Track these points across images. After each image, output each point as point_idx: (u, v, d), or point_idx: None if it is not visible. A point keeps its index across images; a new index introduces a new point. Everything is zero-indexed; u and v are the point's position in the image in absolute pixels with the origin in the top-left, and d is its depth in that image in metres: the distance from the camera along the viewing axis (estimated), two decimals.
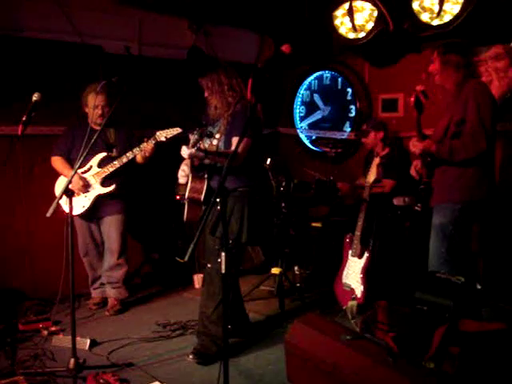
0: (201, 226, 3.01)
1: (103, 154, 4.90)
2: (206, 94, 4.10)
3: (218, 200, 2.90)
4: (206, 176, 4.05)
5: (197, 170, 4.06)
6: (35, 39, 5.20)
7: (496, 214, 4.46)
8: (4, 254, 5.08)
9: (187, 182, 4.04)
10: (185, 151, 3.83)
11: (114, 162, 4.84)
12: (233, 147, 3.91)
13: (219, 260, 3.93)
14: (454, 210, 3.79)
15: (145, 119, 5.64)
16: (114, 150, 4.95)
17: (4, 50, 5.00)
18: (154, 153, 4.83)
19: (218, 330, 4.02)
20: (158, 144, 4.76)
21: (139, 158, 4.90)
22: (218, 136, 4.05)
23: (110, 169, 4.85)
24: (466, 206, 3.80)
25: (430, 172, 3.93)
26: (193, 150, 3.81)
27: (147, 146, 4.76)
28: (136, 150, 4.79)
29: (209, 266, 4.10)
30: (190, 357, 4.06)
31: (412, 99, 3.86)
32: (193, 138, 3.84)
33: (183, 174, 4.10)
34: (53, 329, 4.55)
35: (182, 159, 4.11)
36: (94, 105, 4.80)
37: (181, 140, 3.94)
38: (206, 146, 4.03)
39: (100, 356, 4.14)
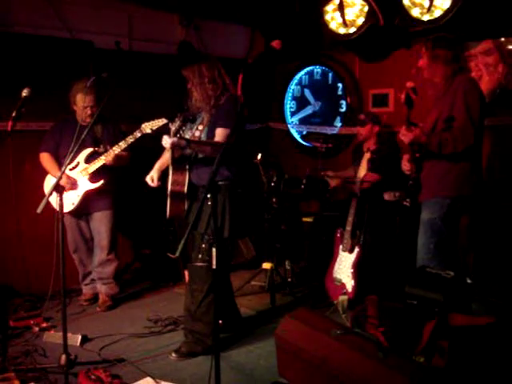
0: (191, 221, 3.02)
1: (90, 150, 4.88)
2: (189, 86, 4.06)
3: (208, 196, 2.91)
4: (187, 167, 4.01)
5: (177, 163, 4.00)
6: (25, 34, 5.17)
7: (484, 208, 4.50)
8: None
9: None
10: (166, 141, 3.73)
11: (101, 157, 4.83)
12: (216, 138, 3.90)
13: (200, 256, 3.96)
14: (442, 205, 3.81)
15: (135, 114, 5.62)
16: (101, 146, 4.94)
17: None
18: (118, 161, 4.85)
19: (203, 327, 4.03)
20: (144, 136, 4.73)
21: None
22: (200, 128, 4.01)
23: (97, 164, 4.83)
24: (455, 200, 3.82)
25: (418, 167, 3.95)
26: (175, 139, 3.73)
27: (115, 150, 4.77)
28: (122, 144, 4.77)
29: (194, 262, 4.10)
30: (173, 355, 4.06)
31: (402, 96, 3.87)
32: (174, 126, 3.78)
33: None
34: (44, 325, 4.54)
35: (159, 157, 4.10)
36: (83, 105, 4.80)
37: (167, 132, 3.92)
38: (188, 137, 3.98)
39: (91, 352, 4.14)
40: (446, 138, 3.69)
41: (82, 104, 4.80)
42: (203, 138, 3.99)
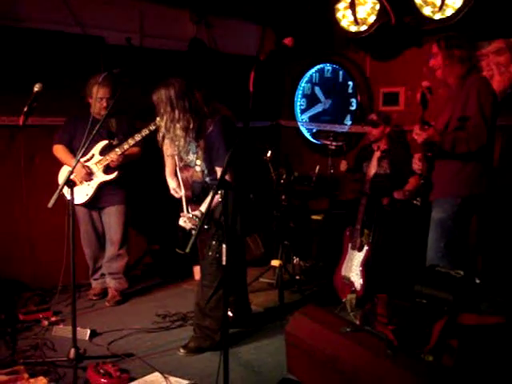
0: (201, 219, 3.03)
1: (105, 142, 4.91)
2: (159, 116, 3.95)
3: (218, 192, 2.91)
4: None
5: (195, 202, 4.08)
6: (36, 30, 5.20)
7: (494, 208, 4.48)
8: (4, 244, 5.10)
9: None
10: (185, 227, 3.81)
11: (116, 150, 4.85)
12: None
13: (210, 253, 3.97)
14: (453, 204, 3.80)
15: (146, 111, 5.63)
16: (116, 139, 4.96)
17: (5, 41, 5.00)
18: (127, 158, 4.91)
19: (212, 323, 4.05)
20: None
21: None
22: (198, 163, 4.00)
23: (112, 156, 4.85)
24: (466, 200, 3.81)
25: (430, 166, 3.94)
26: (192, 225, 3.76)
27: (130, 143, 4.81)
28: (137, 137, 4.78)
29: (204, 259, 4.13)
30: (182, 350, 4.07)
31: (418, 95, 3.84)
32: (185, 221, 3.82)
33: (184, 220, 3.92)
34: (53, 319, 4.57)
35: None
36: (98, 97, 4.80)
37: None
38: (191, 163, 4.04)
39: (100, 346, 4.16)
40: (459, 138, 3.68)
41: (96, 95, 4.79)
42: (205, 171, 4.01)
